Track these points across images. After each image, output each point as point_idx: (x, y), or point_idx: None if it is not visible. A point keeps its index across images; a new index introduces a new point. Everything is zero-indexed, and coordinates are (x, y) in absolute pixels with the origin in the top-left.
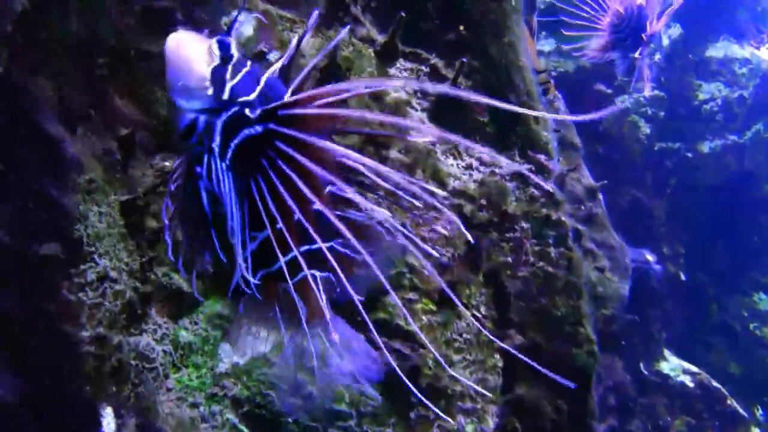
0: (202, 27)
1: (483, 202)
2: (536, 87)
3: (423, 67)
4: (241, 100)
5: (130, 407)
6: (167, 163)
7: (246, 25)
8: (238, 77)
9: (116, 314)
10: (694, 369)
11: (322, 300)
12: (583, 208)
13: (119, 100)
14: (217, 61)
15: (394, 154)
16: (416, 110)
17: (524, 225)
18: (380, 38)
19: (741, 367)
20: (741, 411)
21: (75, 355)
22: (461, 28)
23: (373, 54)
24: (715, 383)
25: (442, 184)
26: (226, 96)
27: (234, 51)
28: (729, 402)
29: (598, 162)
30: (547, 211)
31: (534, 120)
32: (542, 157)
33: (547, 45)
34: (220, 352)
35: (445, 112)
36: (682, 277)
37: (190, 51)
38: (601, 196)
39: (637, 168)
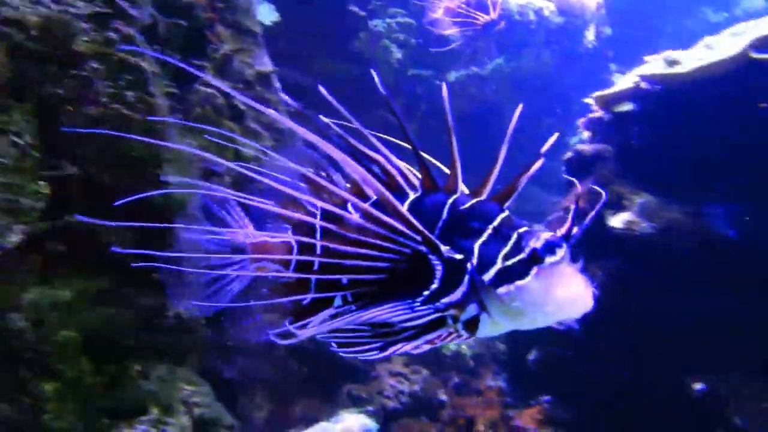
0: None
1: (35, 33)
2: None
3: None
4: None
5: None
6: None
7: None
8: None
9: None
10: None
11: None
12: (243, 88)
13: None
14: None
15: None
16: None
17: (95, 65)
18: None
19: None
20: None
21: None
22: None
23: None
24: None
25: None
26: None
27: None
28: None
29: (351, 83)
30: (124, 56)
31: None
32: (125, 4)
33: None
34: None
35: None
36: None
37: None
38: (277, 85)
39: (389, 92)
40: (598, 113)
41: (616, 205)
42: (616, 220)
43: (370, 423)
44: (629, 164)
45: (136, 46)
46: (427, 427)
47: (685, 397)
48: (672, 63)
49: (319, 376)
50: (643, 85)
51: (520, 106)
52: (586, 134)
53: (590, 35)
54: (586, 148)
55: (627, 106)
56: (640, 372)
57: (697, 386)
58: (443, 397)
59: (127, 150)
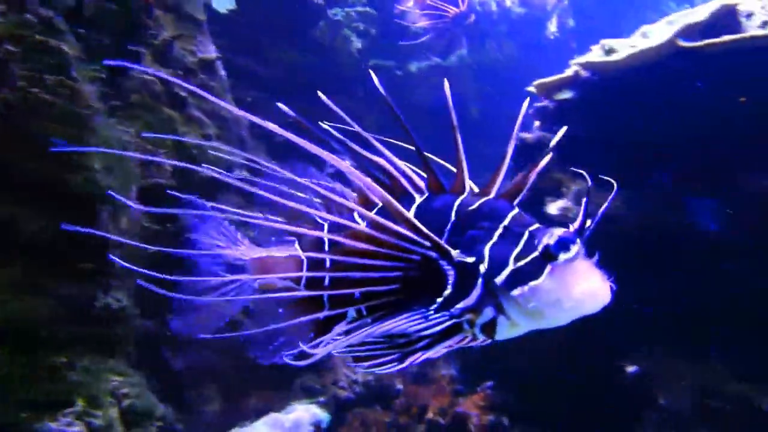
0: None
1: None
2: None
3: None
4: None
5: None
6: None
7: None
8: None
9: None
10: None
11: None
12: (184, 76)
13: None
14: None
15: None
16: None
17: (10, 48)
18: None
19: None
20: None
21: None
22: None
23: None
24: None
25: None
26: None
27: None
28: None
29: (311, 73)
30: (42, 38)
31: None
32: None
33: None
34: None
35: None
36: None
37: None
38: (222, 73)
39: (350, 80)
40: (544, 102)
41: (555, 192)
42: (553, 207)
43: (321, 413)
44: (569, 151)
45: (55, 29)
46: (380, 416)
47: (618, 380)
48: (609, 51)
49: (274, 366)
50: (583, 73)
51: (527, 101)
52: (537, 123)
53: (552, 26)
54: (528, 136)
55: (566, 94)
56: (577, 356)
57: (630, 369)
58: (400, 386)
59: (46, 135)
